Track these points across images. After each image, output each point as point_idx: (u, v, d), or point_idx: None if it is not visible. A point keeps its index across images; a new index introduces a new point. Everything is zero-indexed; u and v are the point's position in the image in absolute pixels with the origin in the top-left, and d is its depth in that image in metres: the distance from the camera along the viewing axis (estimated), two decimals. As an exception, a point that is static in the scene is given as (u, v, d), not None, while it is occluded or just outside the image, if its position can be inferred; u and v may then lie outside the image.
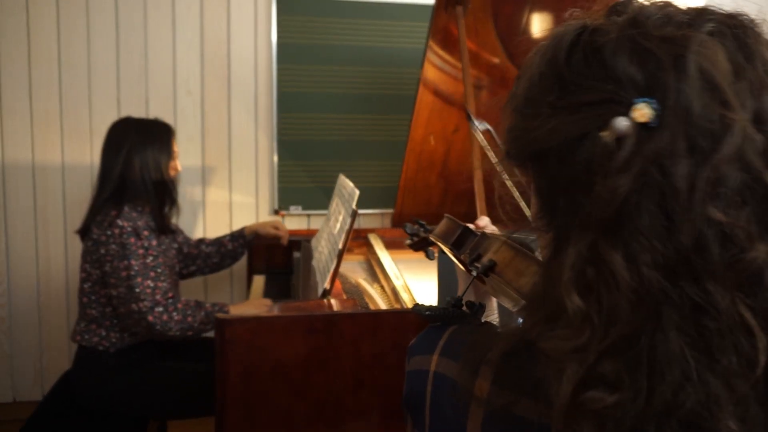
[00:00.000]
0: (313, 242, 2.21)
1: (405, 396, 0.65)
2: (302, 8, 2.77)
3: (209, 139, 2.81)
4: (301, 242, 2.38)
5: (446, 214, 0.94)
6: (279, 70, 2.78)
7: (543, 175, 0.52)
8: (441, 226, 0.95)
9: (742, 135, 0.41)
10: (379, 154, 2.90)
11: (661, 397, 0.42)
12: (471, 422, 0.53)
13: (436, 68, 2.21)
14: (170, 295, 1.79)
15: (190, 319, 1.76)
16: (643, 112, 0.42)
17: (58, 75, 2.66)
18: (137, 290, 1.73)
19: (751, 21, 0.46)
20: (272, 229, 2.31)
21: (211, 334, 1.79)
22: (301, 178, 2.87)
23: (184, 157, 2.79)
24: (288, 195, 2.87)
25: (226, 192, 2.85)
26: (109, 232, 1.78)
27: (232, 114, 2.82)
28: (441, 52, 2.17)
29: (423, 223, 1.18)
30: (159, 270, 1.79)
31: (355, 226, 1.76)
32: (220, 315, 1.44)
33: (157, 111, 2.74)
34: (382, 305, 1.81)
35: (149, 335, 1.83)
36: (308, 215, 2.92)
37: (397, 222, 2.58)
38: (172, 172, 1.98)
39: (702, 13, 0.46)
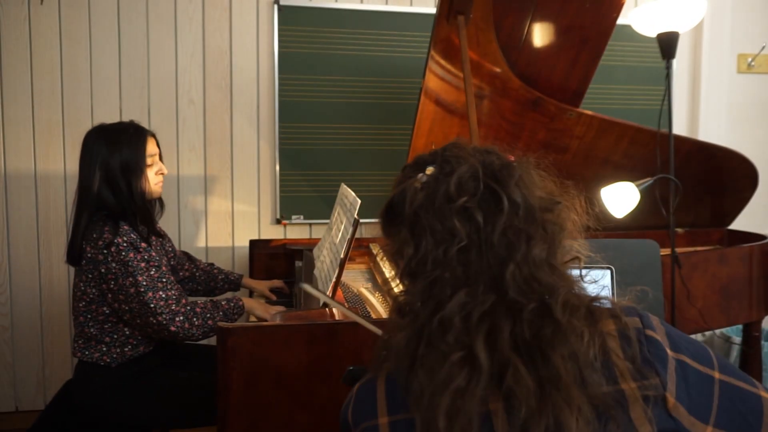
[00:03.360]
0: (315, 251, 2.21)
1: None
2: (304, 18, 2.79)
3: (211, 149, 2.82)
4: (303, 251, 2.38)
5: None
6: (281, 79, 2.80)
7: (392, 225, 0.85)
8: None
9: (468, 166, 0.79)
10: (380, 163, 2.91)
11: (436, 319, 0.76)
12: None
13: (438, 78, 2.22)
14: (183, 300, 1.77)
15: (210, 322, 1.76)
16: (430, 169, 0.81)
17: (60, 85, 2.67)
18: (152, 305, 1.71)
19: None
20: (267, 290, 2.34)
21: (212, 342, 1.79)
22: (302, 187, 2.88)
23: (186, 167, 2.80)
24: (290, 204, 2.88)
25: (228, 201, 2.85)
26: (105, 251, 1.72)
27: (234, 123, 2.83)
28: (443, 62, 2.17)
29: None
30: (165, 279, 1.77)
31: (357, 235, 1.76)
32: (222, 324, 1.43)
33: (159, 120, 2.75)
34: (384, 314, 1.81)
35: (169, 340, 1.85)
36: (310, 224, 2.93)
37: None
38: (155, 177, 1.90)
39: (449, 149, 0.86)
